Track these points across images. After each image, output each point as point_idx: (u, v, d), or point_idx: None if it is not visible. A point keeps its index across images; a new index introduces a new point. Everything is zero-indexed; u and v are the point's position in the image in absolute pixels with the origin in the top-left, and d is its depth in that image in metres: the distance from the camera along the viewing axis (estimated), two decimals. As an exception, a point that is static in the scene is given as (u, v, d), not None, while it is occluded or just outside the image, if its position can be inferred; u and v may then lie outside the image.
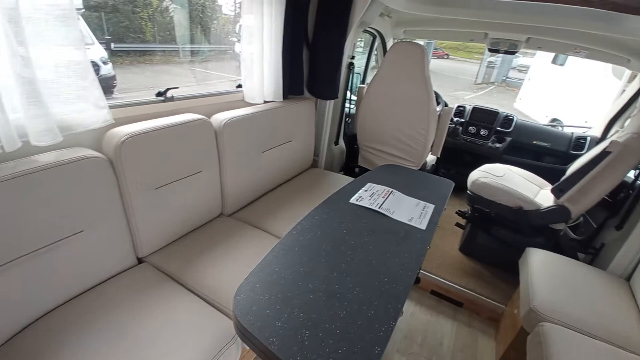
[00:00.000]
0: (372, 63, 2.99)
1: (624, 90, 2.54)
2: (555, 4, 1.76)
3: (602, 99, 5.91)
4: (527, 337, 1.34)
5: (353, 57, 2.21)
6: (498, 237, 2.12)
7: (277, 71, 1.78)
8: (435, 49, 23.62)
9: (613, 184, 1.59)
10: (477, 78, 16.37)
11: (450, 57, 26.30)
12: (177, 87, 1.50)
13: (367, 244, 1.03)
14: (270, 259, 0.91)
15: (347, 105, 2.44)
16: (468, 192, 2.13)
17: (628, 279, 1.61)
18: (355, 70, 2.29)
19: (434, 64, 21.22)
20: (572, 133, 2.71)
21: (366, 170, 2.25)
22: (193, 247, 1.38)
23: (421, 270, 2.10)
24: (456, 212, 2.34)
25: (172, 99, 1.49)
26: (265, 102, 1.83)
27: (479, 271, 2.19)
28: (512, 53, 2.32)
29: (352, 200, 1.28)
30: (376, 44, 2.78)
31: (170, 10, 5.57)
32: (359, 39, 2.29)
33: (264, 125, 1.71)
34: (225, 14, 6.33)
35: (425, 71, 1.86)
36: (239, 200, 1.69)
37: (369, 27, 2.42)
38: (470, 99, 12.41)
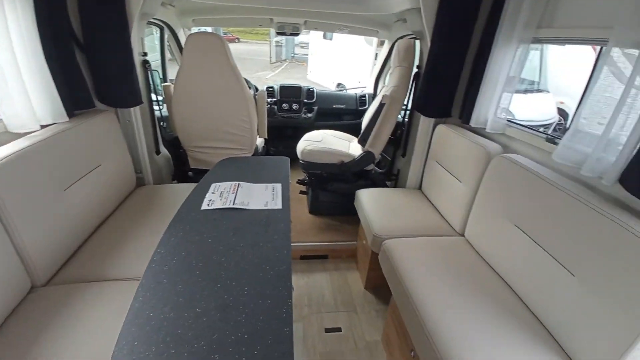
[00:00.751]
0: (169, 56, 2.74)
1: (377, 54, 3.35)
2: None
3: (364, 62, 7.64)
4: (377, 257, 1.71)
5: (146, 54, 1.96)
6: (334, 191, 2.51)
7: (46, 84, 1.38)
8: (225, 33, 23.69)
9: (392, 126, 2.16)
10: (271, 58, 17.62)
11: (240, 40, 27.03)
12: None
13: (236, 243, 1.02)
14: (139, 307, 0.78)
15: (156, 108, 2.19)
16: (300, 161, 2.38)
17: (420, 187, 2.26)
18: (153, 67, 2.04)
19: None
20: (356, 93, 3.42)
21: (201, 170, 2.15)
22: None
23: (287, 244, 2.26)
24: (297, 182, 2.59)
25: None
26: (43, 126, 1.41)
27: (329, 224, 2.55)
28: (296, 34, 2.64)
29: (204, 206, 1.22)
30: (166, 36, 2.55)
31: None
32: (151, 34, 2.04)
33: (53, 156, 1.32)
34: None
35: (230, 60, 1.87)
36: (53, 258, 1.29)
37: (154, 19, 2.18)
38: (272, 78, 13.35)
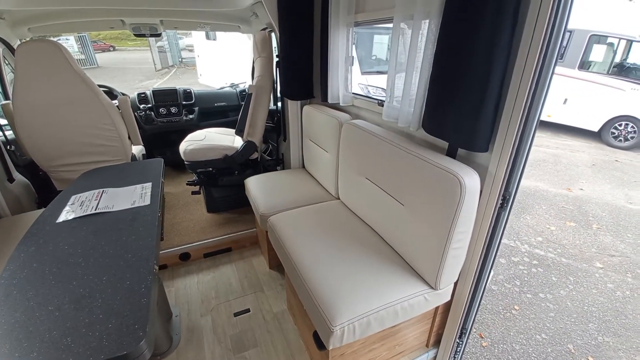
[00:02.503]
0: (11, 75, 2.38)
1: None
2: None
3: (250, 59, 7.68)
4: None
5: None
6: (227, 185, 2.56)
7: None
8: (94, 42, 20.90)
9: (265, 113, 2.31)
10: (156, 65, 16.26)
11: (116, 48, 24.22)
12: None
13: (97, 244, 1.03)
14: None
15: (-2, 132, 1.92)
16: (186, 162, 2.37)
17: (303, 166, 2.47)
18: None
19: (102, 58, 18.94)
20: (235, 89, 3.49)
21: (71, 191, 1.98)
22: None
23: (188, 245, 2.25)
24: (186, 183, 2.57)
25: None
26: None
27: (229, 218, 2.60)
28: (158, 35, 2.56)
29: (60, 219, 1.18)
30: (1, 51, 2.22)
31: None
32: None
33: None
34: None
35: (74, 66, 1.75)
36: None
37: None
38: (161, 86, 12.40)
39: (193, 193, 2.63)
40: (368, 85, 5.57)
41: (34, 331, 0.72)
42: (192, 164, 2.34)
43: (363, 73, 5.65)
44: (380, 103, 1.72)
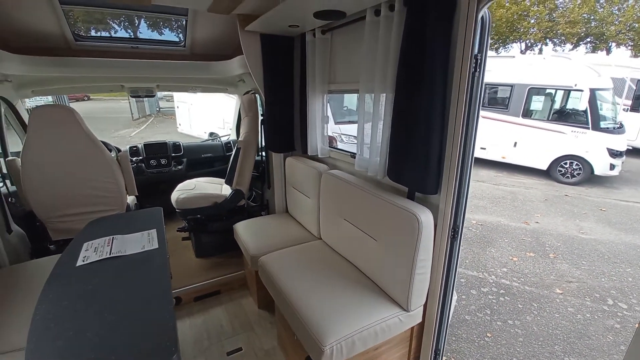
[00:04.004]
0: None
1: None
2: (165, 61, 2.46)
3: (229, 110, 8.14)
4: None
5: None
6: (216, 231, 2.73)
7: None
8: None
9: (252, 164, 2.59)
10: (133, 114, 16.49)
11: (91, 98, 24.33)
12: None
13: (117, 283, 1.20)
14: (33, 347, 0.91)
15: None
16: (177, 210, 2.55)
17: (287, 211, 2.71)
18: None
19: (78, 108, 18.84)
20: (221, 141, 3.79)
21: (66, 241, 2.10)
22: None
23: (179, 289, 2.36)
24: (177, 230, 2.72)
25: None
26: None
27: (217, 262, 2.74)
28: (151, 96, 2.87)
29: (79, 263, 1.33)
30: (3, 110, 2.41)
31: None
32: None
33: None
34: None
35: (84, 128, 1.98)
36: None
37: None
38: (137, 135, 12.53)
39: (184, 239, 2.77)
40: (341, 134, 6.09)
41: (79, 354, 0.89)
42: (184, 212, 2.52)
43: (336, 123, 6.19)
44: (353, 155, 2.05)
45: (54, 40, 2.16)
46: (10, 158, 2.07)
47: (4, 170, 2.29)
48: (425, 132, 1.36)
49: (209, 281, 2.46)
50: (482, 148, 7.39)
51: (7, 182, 2.30)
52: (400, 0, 1.40)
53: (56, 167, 1.97)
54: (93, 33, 2.37)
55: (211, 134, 4.19)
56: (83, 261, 1.34)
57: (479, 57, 1.25)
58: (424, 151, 1.39)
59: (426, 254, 1.46)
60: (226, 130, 7.52)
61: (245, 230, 2.33)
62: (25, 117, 2.61)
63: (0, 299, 1.57)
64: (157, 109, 18.79)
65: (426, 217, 1.41)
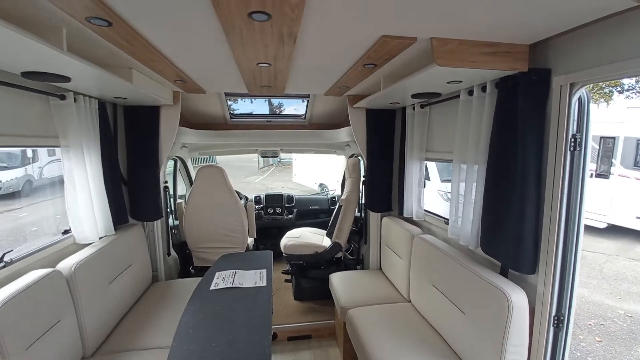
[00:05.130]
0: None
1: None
2: (289, 131, 3.07)
3: (338, 165, 8.87)
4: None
5: (166, 182, 2.70)
6: (314, 277, 3.00)
7: (104, 208, 2.02)
8: (217, 146, 26.26)
9: (351, 221, 2.84)
10: (259, 164, 19.49)
11: (231, 150, 29.79)
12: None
13: (235, 308, 1.54)
14: (177, 345, 1.27)
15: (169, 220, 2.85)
16: (284, 254, 2.95)
17: (380, 268, 2.80)
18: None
19: (219, 158, 23.54)
20: (327, 195, 4.23)
21: (203, 267, 2.68)
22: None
23: (276, 326, 2.65)
24: (282, 272, 3.10)
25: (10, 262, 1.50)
26: (100, 238, 2.01)
27: (311, 307, 2.96)
28: (276, 157, 3.53)
29: (212, 287, 1.75)
30: (178, 165, 3.39)
31: None
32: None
33: (106, 258, 1.89)
34: None
35: (228, 184, 2.62)
36: (100, 334, 1.74)
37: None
38: (260, 182, 14.65)
39: (286, 281, 3.14)
40: (447, 192, 5.87)
41: (205, 357, 1.20)
42: (289, 256, 2.90)
43: (442, 181, 6.04)
44: (447, 222, 2.08)
45: (217, 119, 3.01)
46: (179, 201, 2.86)
47: (172, 208, 3.14)
48: (519, 208, 1.36)
49: (302, 324, 2.68)
50: (638, 217, 5.89)
51: (172, 217, 3.12)
52: (492, 84, 1.52)
53: (206, 210, 2.63)
54: (242, 110, 3.21)
55: (320, 184, 4.71)
56: (214, 286, 1.76)
57: (578, 137, 1.24)
58: (517, 227, 1.37)
59: (520, 339, 1.35)
60: (332, 181, 8.17)
61: (339, 282, 2.52)
62: (190, 168, 3.58)
63: (156, 305, 2.13)
64: (278, 160, 21.66)
65: (519, 298, 1.34)
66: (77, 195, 1.89)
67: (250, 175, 16.40)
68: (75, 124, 1.79)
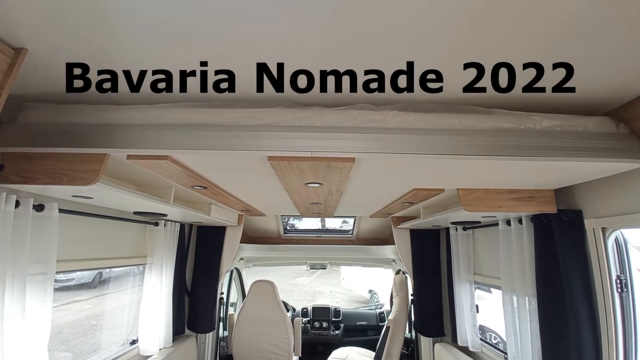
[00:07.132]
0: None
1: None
2: (337, 245, 3.27)
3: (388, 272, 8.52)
4: None
5: (222, 293, 2.92)
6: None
7: (168, 320, 2.23)
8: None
9: (400, 344, 2.68)
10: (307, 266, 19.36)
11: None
12: None
13: None
14: None
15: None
16: None
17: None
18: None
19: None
20: (376, 311, 4.06)
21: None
22: None
23: None
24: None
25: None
26: (160, 349, 2.16)
27: None
28: (324, 268, 3.66)
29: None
30: (233, 275, 3.65)
31: None
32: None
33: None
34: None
35: (277, 298, 2.75)
36: None
37: (231, 268, 3.35)
38: (308, 283, 14.32)
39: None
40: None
41: None
42: (334, 379, 2.72)
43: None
44: (506, 357, 1.91)
45: (272, 234, 3.37)
46: (230, 312, 3.00)
47: (224, 317, 3.25)
48: (576, 346, 1.29)
49: None
50: None
51: (221, 327, 3.20)
52: (527, 218, 1.61)
53: (255, 325, 2.72)
54: (294, 222, 3.54)
55: (370, 290, 4.55)
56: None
57: (622, 278, 1.23)
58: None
59: None
60: (381, 287, 7.76)
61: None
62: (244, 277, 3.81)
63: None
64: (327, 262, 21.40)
65: None
66: (150, 308, 2.15)
67: (298, 276, 16.19)
68: (161, 245, 2.18)
